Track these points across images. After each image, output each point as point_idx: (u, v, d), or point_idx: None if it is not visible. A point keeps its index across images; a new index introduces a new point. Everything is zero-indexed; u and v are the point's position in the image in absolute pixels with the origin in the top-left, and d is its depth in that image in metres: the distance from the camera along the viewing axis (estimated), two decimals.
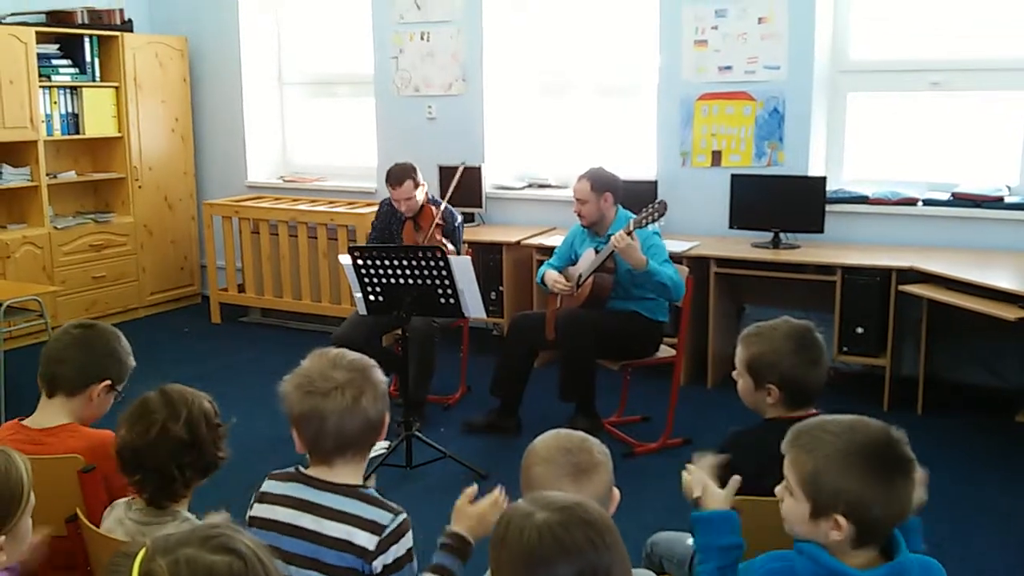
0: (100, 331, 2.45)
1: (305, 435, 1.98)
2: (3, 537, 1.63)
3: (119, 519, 2.05)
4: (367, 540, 1.91)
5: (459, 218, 5.00)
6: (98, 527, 2.07)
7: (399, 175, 4.79)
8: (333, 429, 1.94)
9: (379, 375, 2.03)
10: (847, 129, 5.48)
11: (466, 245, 5.27)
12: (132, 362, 2.49)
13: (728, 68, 5.48)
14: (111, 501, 2.22)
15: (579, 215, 4.51)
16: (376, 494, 2.00)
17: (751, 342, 2.38)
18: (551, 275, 4.57)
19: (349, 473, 2.00)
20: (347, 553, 1.91)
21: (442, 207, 4.89)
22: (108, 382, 2.40)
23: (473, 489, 2.13)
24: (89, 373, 2.38)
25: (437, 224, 4.81)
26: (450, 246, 4.74)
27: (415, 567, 1.99)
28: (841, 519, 1.66)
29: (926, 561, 1.79)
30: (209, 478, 2.09)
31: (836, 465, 1.68)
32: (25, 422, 2.38)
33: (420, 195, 4.86)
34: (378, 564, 1.91)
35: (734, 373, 2.47)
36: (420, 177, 4.86)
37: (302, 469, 2.03)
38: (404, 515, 1.96)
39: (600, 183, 4.45)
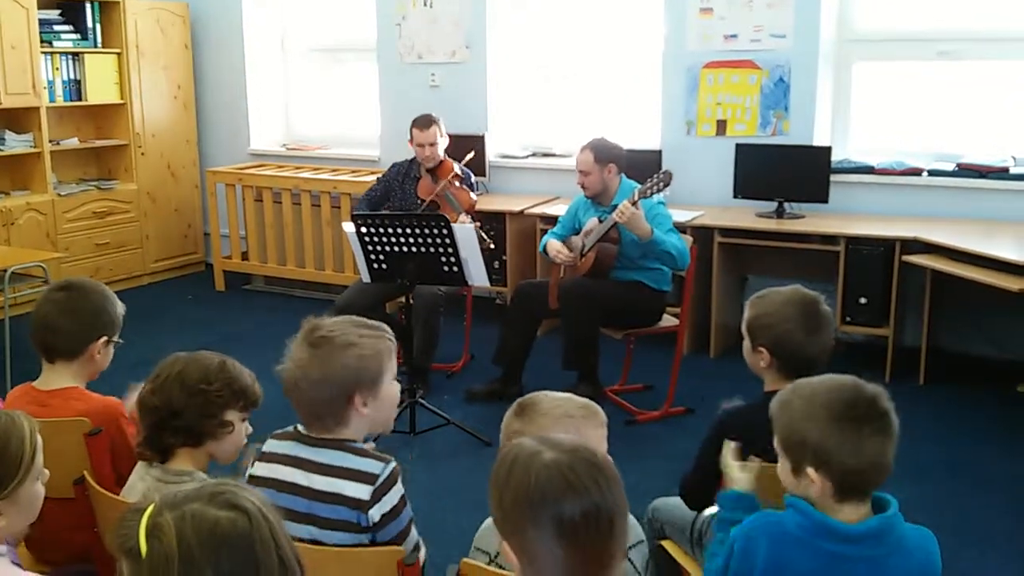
0: (83, 291, 2.43)
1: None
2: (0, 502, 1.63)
3: (141, 475, 2.08)
4: (360, 491, 1.94)
5: (472, 175, 5.10)
6: (104, 489, 2.10)
7: (426, 119, 4.92)
8: (295, 400, 2.01)
9: (348, 359, 1.98)
10: (853, 99, 5.45)
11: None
12: (122, 309, 2.47)
13: (734, 36, 5.44)
14: (115, 465, 2.25)
15: (582, 186, 4.49)
16: (364, 446, 2.03)
17: (754, 303, 2.39)
18: (553, 245, 4.56)
19: (339, 434, 2.03)
20: (340, 506, 1.94)
21: (460, 164, 4.96)
22: (104, 338, 2.40)
23: None
24: (84, 336, 2.38)
25: (455, 175, 4.87)
26: (473, 196, 4.87)
27: (410, 512, 2.02)
28: (812, 472, 1.71)
29: (920, 529, 1.81)
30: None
31: (801, 418, 1.74)
32: (34, 384, 2.40)
33: (442, 147, 4.93)
34: (375, 513, 1.94)
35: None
36: (444, 130, 4.93)
37: (300, 428, 2.06)
38: (394, 463, 1.99)
39: (603, 154, 4.43)
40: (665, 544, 2.49)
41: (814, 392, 1.75)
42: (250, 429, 2.13)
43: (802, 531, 1.72)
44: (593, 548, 1.35)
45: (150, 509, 1.19)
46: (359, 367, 2.00)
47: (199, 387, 2.02)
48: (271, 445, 2.07)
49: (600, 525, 1.35)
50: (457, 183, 4.88)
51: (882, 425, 1.72)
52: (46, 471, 1.73)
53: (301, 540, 1.91)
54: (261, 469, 2.05)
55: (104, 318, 2.41)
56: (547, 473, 1.36)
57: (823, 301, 2.36)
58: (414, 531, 2.04)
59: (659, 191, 4.15)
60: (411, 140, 4.96)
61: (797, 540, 1.72)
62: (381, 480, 1.94)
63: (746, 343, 2.39)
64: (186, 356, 2.10)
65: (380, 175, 5.26)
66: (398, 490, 1.97)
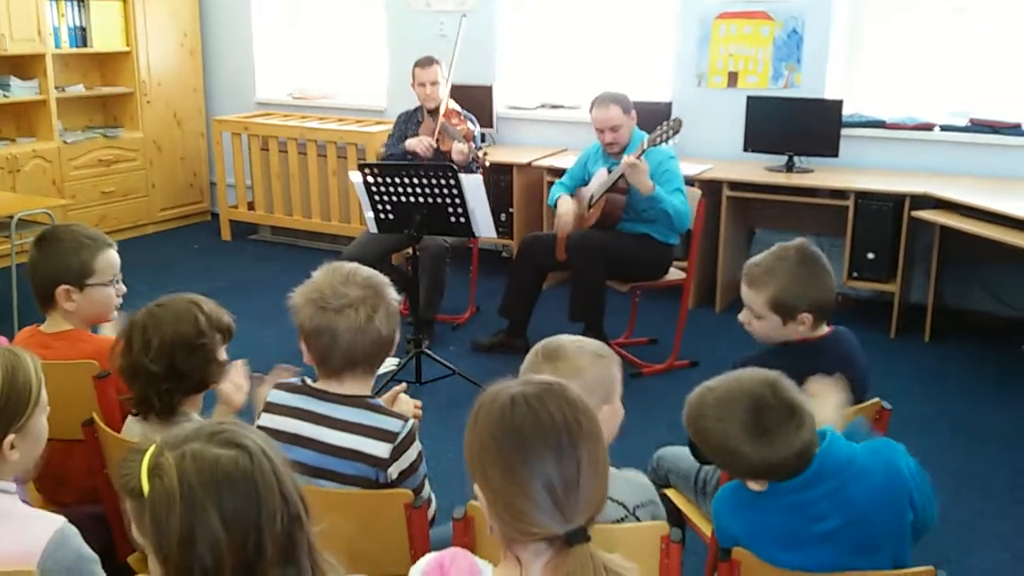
0: (46, 243, 2.42)
1: (315, 350, 1.98)
2: (13, 436, 1.65)
3: (132, 425, 2.11)
4: (380, 448, 1.94)
5: (474, 118, 5.13)
6: (113, 430, 2.11)
7: (428, 58, 5.01)
8: (344, 346, 1.94)
9: (392, 292, 2.04)
10: (865, 52, 5.38)
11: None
12: (104, 255, 2.41)
13: None
14: (121, 405, 2.27)
15: (611, 144, 4.40)
16: (382, 403, 2.03)
17: (765, 282, 2.30)
18: (564, 201, 4.51)
19: (357, 386, 2.01)
20: (360, 463, 1.94)
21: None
22: (65, 287, 2.36)
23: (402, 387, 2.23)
24: (44, 288, 2.38)
25: (454, 110, 4.95)
26: (471, 126, 4.94)
27: (425, 468, 2.03)
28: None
29: (876, 443, 1.82)
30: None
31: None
32: (40, 328, 2.42)
33: (443, 90, 4.96)
34: (394, 471, 1.94)
35: (741, 316, 2.39)
36: (446, 72, 4.97)
37: (309, 381, 2.04)
38: (412, 420, 2.00)
39: (626, 104, 4.38)
40: (669, 492, 2.51)
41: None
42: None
43: (757, 493, 1.76)
44: None
45: (151, 449, 1.21)
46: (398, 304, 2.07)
47: (199, 343, 2.04)
48: (276, 396, 2.05)
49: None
50: (454, 118, 4.95)
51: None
52: (48, 406, 1.75)
53: None
54: (267, 420, 2.02)
55: (60, 268, 2.36)
56: (512, 404, 1.33)
57: (811, 243, 2.37)
58: (428, 486, 2.05)
59: (669, 139, 4.11)
60: (413, 82, 5.01)
61: (755, 501, 1.75)
62: (401, 438, 1.94)
63: (771, 321, 2.30)
64: (164, 312, 2.06)
65: (391, 131, 5.23)
66: (416, 447, 1.98)
